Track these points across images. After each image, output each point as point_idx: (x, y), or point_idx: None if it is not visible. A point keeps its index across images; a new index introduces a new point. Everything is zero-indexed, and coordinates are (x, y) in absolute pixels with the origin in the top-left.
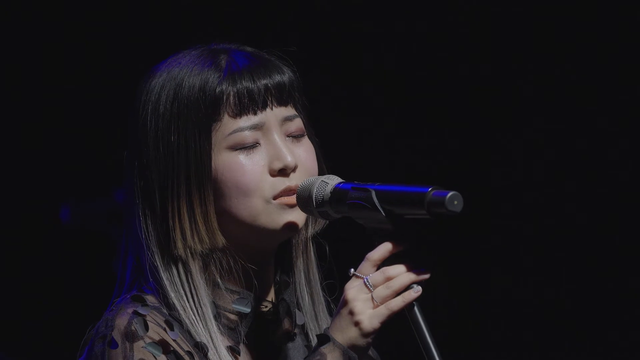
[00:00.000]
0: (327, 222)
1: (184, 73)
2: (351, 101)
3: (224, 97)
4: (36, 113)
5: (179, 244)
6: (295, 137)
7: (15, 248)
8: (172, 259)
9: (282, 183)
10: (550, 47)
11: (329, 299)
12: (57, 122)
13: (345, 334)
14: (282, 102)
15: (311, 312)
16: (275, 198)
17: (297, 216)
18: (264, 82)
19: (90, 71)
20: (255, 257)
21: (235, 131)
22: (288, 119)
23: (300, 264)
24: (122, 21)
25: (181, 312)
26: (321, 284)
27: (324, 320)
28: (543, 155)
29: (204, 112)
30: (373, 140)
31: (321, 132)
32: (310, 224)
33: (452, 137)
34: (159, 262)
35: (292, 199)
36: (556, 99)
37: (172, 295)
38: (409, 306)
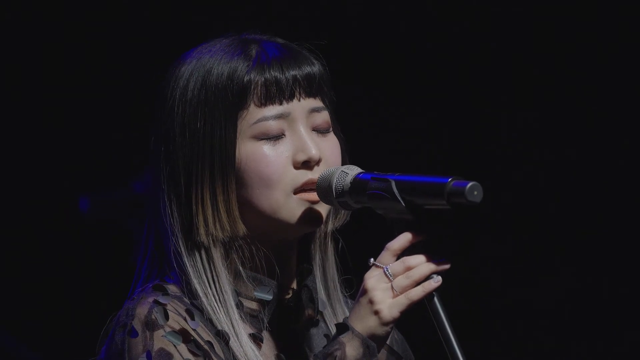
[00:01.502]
0: (348, 219)
1: (214, 61)
2: (370, 94)
3: (252, 86)
4: (48, 108)
5: (202, 231)
6: (321, 131)
7: (17, 245)
8: (195, 245)
9: (304, 175)
10: (551, 45)
11: (346, 295)
12: (63, 117)
13: (364, 323)
14: (310, 94)
15: (328, 307)
16: (296, 191)
17: (319, 212)
18: (292, 72)
19: (101, 68)
20: (277, 247)
21: (259, 120)
22: (315, 111)
23: (317, 259)
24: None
25: (203, 298)
26: (339, 279)
27: (341, 316)
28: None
29: (231, 100)
30: (391, 133)
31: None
32: (330, 219)
33: (470, 131)
34: (182, 248)
35: (314, 196)
36: (563, 98)
37: (195, 281)
38: (428, 296)
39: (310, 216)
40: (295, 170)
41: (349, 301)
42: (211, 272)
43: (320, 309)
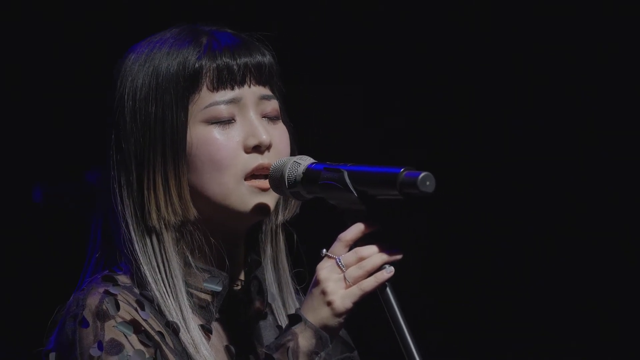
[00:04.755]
0: (297, 210)
1: (165, 48)
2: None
3: (203, 71)
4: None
5: (154, 215)
6: (271, 118)
7: None
8: (146, 230)
9: (255, 160)
10: (546, 43)
11: (298, 288)
12: (16, 107)
13: (317, 314)
14: (260, 82)
15: (278, 300)
16: (247, 177)
17: (268, 200)
18: (244, 59)
19: (61, 54)
20: (226, 237)
21: (211, 104)
22: (265, 98)
23: (268, 251)
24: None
25: (152, 285)
26: (290, 272)
27: (292, 309)
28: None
29: (183, 85)
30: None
31: (294, 114)
32: (280, 211)
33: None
34: (133, 234)
35: (264, 183)
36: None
37: (145, 267)
38: (381, 287)
39: (259, 204)
40: (246, 155)
41: (300, 294)
42: (161, 257)
43: (269, 301)
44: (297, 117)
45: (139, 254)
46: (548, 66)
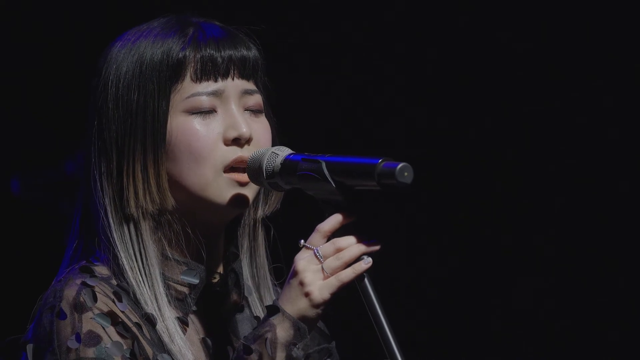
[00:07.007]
0: (278, 206)
1: (151, 37)
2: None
3: (187, 61)
4: None
5: (132, 203)
6: (253, 112)
7: None
8: (124, 217)
9: (234, 152)
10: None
11: (276, 284)
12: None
13: (295, 305)
14: (244, 76)
15: (255, 294)
16: (226, 170)
17: (247, 193)
18: (229, 52)
19: (40, 45)
20: (204, 229)
21: (193, 95)
22: (248, 93)
23: (245, 244)
24: None
25: (129, 272)
26: (268, 266)
27: (269, 302)
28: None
29: (166, 74)
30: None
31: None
32: (260, 205)
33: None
34: (112, 221)
35: (243, 177)
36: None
37: (122, 254)
38: (359, 277)
39: (237, 197)
40: (225, 147)
41: (278, 289)
42: (138, 245)
43: (245, 294)
44: (282, 111)
45: (117, 241)
46: (546, 64)
